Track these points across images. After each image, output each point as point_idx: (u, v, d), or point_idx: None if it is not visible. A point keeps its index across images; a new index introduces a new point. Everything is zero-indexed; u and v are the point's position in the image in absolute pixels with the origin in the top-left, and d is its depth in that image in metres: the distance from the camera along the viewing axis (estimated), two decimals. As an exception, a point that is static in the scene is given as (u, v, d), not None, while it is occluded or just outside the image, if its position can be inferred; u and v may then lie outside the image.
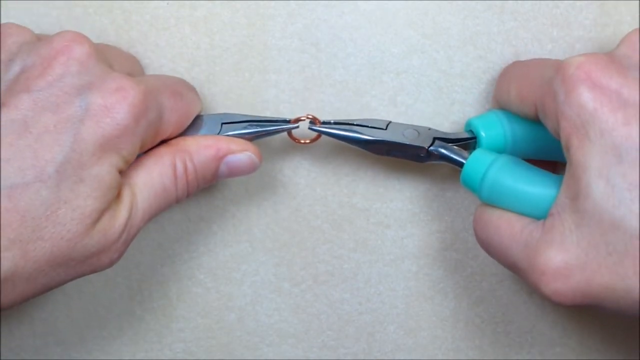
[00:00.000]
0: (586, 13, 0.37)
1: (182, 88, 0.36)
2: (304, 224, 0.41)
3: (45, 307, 0.42)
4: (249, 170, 0.36)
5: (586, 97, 0.29)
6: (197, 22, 0.38)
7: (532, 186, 0.32)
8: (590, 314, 0.41)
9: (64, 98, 0.31)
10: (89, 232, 0.31)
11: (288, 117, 0.37)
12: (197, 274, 0.41)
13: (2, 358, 0.42)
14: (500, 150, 0.35)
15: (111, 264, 0.33)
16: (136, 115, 0.31)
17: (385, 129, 0.36)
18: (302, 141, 0.37)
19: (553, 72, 0.31)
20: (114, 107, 0.31)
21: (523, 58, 0.38)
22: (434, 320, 0.41)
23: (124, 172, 0.32)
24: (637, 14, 0.37)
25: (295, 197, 0.40)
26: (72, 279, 0.32)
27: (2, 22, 0.38)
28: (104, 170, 0.31)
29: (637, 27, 0.37)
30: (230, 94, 0.39)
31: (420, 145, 0.36)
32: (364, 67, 0.39)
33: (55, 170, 0.30)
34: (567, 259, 0.30)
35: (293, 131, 0.37)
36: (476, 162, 0.34)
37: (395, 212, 0.40)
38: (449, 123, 0.39)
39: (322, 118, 0.38)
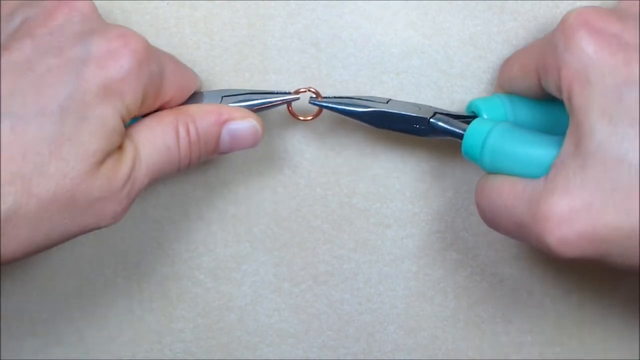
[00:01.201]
0: (586, 13, 0.37)
1: (183, 64, 0.36)
2: (304, 224, 0.41)
3: (45, 307, 0.42)
4: (252, 140, 0.35)
5: (586, 41, 0.30)
6: (197, 22, 0.38)
7: (533, 147, 0.32)
8: (591, 314, 0.41)
9: (67, 42, 0.31)
10: (93, 173, 0.30)
11: (289, 89, 0.37)
12: (197, 274, 0.41)
13: (2, 358, 0.42)
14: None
15: (115, 218, 0.32)
16: (139, 61, 0.31)
17: (387, 104, 0.36)
18: (302, 118, 0.37)
19: (552, 32, 0.32)
20: (118, 51, 0.31)
21: (523, 58, 0.38)
22: (434, 320, 0.41)
23: (127, 129, 0.32)
24: (638, 14, 0.37)
25: (295, 197, 0.40)
26: (75, 233, 0.31)
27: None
28: (108, 112, 0.31)
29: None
30: (230, 94, 0.39)
31: (422, 116, 0.36)
32: (364, 67, 0.38)
33: (59, 106, 0.30)
34: (571, 203, 0.29)
35: (294, 106, 0.37)
36: (475, 130, 0.34)
37: (395, 212, 0.40)
38: (449, 123, 0.39)
39: (322, 119, 0.38)
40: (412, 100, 0.39)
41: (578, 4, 0.37)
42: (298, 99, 0.37)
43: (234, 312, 0.42)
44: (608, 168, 0.29)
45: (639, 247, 0.29)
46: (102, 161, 0.31)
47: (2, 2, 0.33)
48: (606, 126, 0.29)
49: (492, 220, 0.34)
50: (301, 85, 0.38)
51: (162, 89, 0.34)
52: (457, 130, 0.35)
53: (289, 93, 0.36)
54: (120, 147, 0.32)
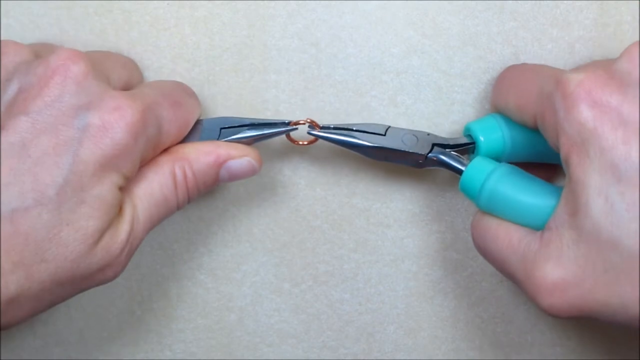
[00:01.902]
0: (586, 13, 0.37)
1: (180, 96, 0.36)
2: (304, 224, 0.41)
3: (45, 308, 0.42)
4: (249, 174, 0.36)
5: (586, 115, 0.29)
6: (197, 22, 0.38)
7: (531, 197, 0.32)
8: (591, 314, 0.41)
9: (62, 120, 0.31)
10: (92, 251, 0.31)
11: (287, 119, 0.37)
12: (197, 275, 0.41)
13: (2, 358, 0.42)
14: (499, 155, 0.36)
15: (115, 276, 0.33)
16: (135, 134, 0.32)
17: (384, 135, 0.36)
18: (301, 142, 0.37)
19: (552, 85, 0.31)
20: (112, 127, 0.31)
21: (523, 58, 0.38)
22: (434, 320, 0.41)
23: (124, 187, 0.33)
24: (637, 14, 0.37)
25: (295, 197, 0.40)
26: (77, 293, 0.32)
27: (3, 23, 0.38)
28: (105, 189, 0.31)
29: (638, 34, 0.37)
30: (230, 94, 0.39)
31: (419, 152, 0.36)
32: (364, 67, 0.39)
33: (56, 193, 0.30)
34: (563, 275, 0.30)
35: (291, 133, 0.37)
36: (475, 170, 0.34)
37: (395, 212, 0.40)
38: (449, 123, 0.39)
39: (322, 119, 0.38)
40: (412, 101, 0.39)
41: (578, 3, 0.37)
42: (296, 129, 0.37)
43: (234, 313, 0.42)
44: (602, 249, 0.29)
45: (627, 319, 0.29)
46: (100, 238, 0.31)
47: (2, 62, 0.33)
48: (602, 206, 0.29)
49: (485, 258, 0.35)
50: (301, 84, 0.38)
51: (161, 142, 0.34)
52: (456, 165, 0.35)
53: (287, 123, 0.36)
54: (119, 211, 0.32)
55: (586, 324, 0.41)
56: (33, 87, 0.31)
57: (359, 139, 0.36)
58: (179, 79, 0.39)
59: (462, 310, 0.41)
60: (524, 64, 0.37)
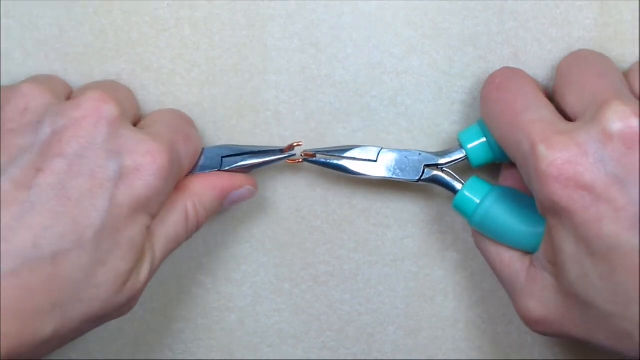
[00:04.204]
0: (586, 13, 0.37)
1: (188, 129, 0.37)
2: (304, 225, 0.41)
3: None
4: (247, 199, 0.38)
5: (559, 194, 0.30)
6: (197, 23, 0.38)
7: (521, 224, 0.34)
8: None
9: (97, 162, 0.31)
10: (121, 291, 0.32)
11: (282, 145, 0.38)
12: (197, 275, 0.41)
13: (2, 358, 0.42)
14: (489, 161, 0.36)
15: (129, 310, 0.34)
16: (165, 176, 0.33)
17: (376, 161, 0.37)
18: (299, 161, 0.38)
19: (528, 147, 0.31)
20: (146, 170, 0.32)
21: (523, 58, 0.38)
22: (434, 320, 0.41)
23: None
24: (638, 14, 0.37)
25: (295, 197, 0.40)
26: (95, 328, 0.33)
27: (3, 23, 0.38)
28: (137, 231, 0.32)
29: (638, 34, 0.37)
30: (230, 94, 0.39)
31: (410, 178, 0.37)
32: (364, 67, 0.38)
33: (94, 235, 0.31)
34: (546, 315, 0.33)
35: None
36: (469, 192, 0.36)
37: (395, 213, 0.40)
38: (448, 123, 0.39)
39: (321, 119, 0.38)
40: (412, 101, 0.39)
41: (578, 3, 0.37)
42: (294, 154, 0.38)
43: (234, 313, 0.42)
44: (579, 305, 0.31)
45: (610, 352, 0.32)
46: (129, 278, 0.32)
47: (29, 107, 0.33)
48: (577, 272, 0.31)
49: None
50: (301, 84, 0.38)
51: (180, 177, 0.36)
52: (449, 186, 0.37)
53: (282, 150, 0.38)
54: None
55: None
56: (67, 129, 0.32)
57: (350, 168, 0.37)
58: (179, 79, 0.39)
59: (462, 311, 0.41)
60: (503, 85, 0.35)
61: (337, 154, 0.37)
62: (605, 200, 0.29)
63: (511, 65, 0.37)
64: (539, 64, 0.38)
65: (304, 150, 0.38)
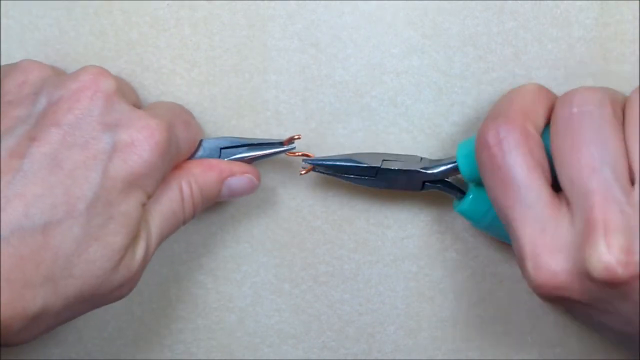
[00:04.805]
0: (587, 13, 0.37)
1: (188, 116, 0.37)
2: (304, 225, 0.41)
3: (45, 308, 0.42)
4: (249, 191, 0.37)
5: (546, 299, 0.32)
6: (197, 23, 0.38)
7: None
8: (591, 315, 0.41)
9: (92, 134, 0.31)
10: (116, 268, 0.31)
11: (282, 138, 0.38)
12: (196, 275, 0.41)
13: (2, 358, 0.42)
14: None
15: (129, 292, 0.34)
16: (161, 153, 0.32)
17: (375, 177, 0.37)
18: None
19: (517, 247, 0.32)
20: (142, 145, 0.32)
21: (523, 58, 0.38)
22: (434, 320, 0.41)
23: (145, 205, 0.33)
24: (638, 14, 0.37)
25: (295, 197, 0.40)
26: (92, 310, 0.33)
27: (3, 23, 0.38)
28: (131, 206, 0.32)
29: (638, 34, 0.37)
30: (230, 94, 0.39)
31: (412, 190, 0.38)
32: (364, 67, 0.38)
33: (86, 207, 0.30)
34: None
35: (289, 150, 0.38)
36: (478, 200, 0.36)
37: (395, 213, 0.40)
38: (448, 124, 0.39)
39: (321, 119, 0.38)
40: (412, 101, 0.39)
41: (578, 3, 0.37)
42: (294, 147, 0.37)
43: (234, 313, 0.42)
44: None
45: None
46: (124, 255, 0.32)
47: (27, 80, 0.33)
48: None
49: None
50: (301, 84, 0.38)
51: (176, 160, 0.35)
52: (451, 193, 0.37)
53: (281, 143, 0.37)
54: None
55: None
56: (63, 101, 0.32)
57: (353, 174, 0.37)
58: (178, 79, 0.39)
59: (462, 311, 0.41)
60: (496, 154, 0.32)
61: (336, 173, 0.37)
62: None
63: (511, 65, 0.38)
64: (539, 64, 0.38)
65: (303, 164, 0.38)
